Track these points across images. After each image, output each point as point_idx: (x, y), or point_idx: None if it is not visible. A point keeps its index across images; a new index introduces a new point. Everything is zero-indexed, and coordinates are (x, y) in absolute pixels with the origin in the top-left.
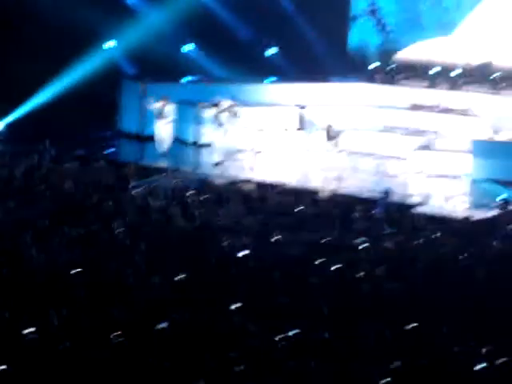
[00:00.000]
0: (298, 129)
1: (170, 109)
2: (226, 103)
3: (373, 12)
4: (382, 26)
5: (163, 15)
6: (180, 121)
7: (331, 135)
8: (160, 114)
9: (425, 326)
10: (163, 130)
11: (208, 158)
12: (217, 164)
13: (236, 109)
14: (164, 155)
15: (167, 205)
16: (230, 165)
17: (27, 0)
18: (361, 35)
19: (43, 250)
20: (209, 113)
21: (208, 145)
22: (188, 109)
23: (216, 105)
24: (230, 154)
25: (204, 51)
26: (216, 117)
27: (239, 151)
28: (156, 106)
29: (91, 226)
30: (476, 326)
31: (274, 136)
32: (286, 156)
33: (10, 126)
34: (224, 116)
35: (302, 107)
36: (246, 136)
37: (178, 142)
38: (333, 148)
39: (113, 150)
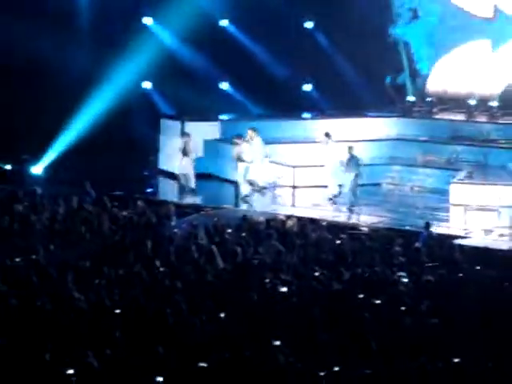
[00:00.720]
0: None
1: (192, 145)
2: (238, 140)
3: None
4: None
5: (200, 54)
6: (219, 158)
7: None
8: (183, 151)
9: (469, 360)
10: (187, 167)
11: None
12: (244, 198)
13: (253, 138)
14: (192, 191)
15: (207, 242)
16: (259, 199)
17: (65, 41)
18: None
19: (85, 291)
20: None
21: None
22: (225, 146)
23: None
24: (260, 189)
25: (241, 89)
26: (237, 153)
27: (272, 186)
28: (178, 142)
29: (132, 266)
30: None
31: (312, 171)
32: (324, 191)
33: (48, 168)
34: (244, 150)
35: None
36: (284, 172)
37: (216, 179)
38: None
39: (152, 189)
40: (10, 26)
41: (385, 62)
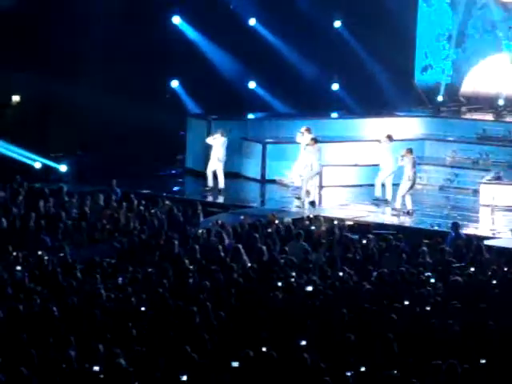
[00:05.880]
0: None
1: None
2: None
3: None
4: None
5: (227, 53)
6: (246, 157)
7: None
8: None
9: (496, 360)
10: (216, 166)
11: (273, 194)
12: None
13: None
14: (220, 191)
15: (233, 242)
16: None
17: (91, 37)
18: (427, 71)
19: (111, 289)
20: None
21: (273, 180)
22: (253, 145)
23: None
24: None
25: (268, 87)
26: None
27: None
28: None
29: (158, 264)
30: None
31: (339, 171)
32: (351, 191)
33: (75, 166)
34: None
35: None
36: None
37: (243, 178)
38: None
39: (179, 187)
40: None
41: (413, 62)
